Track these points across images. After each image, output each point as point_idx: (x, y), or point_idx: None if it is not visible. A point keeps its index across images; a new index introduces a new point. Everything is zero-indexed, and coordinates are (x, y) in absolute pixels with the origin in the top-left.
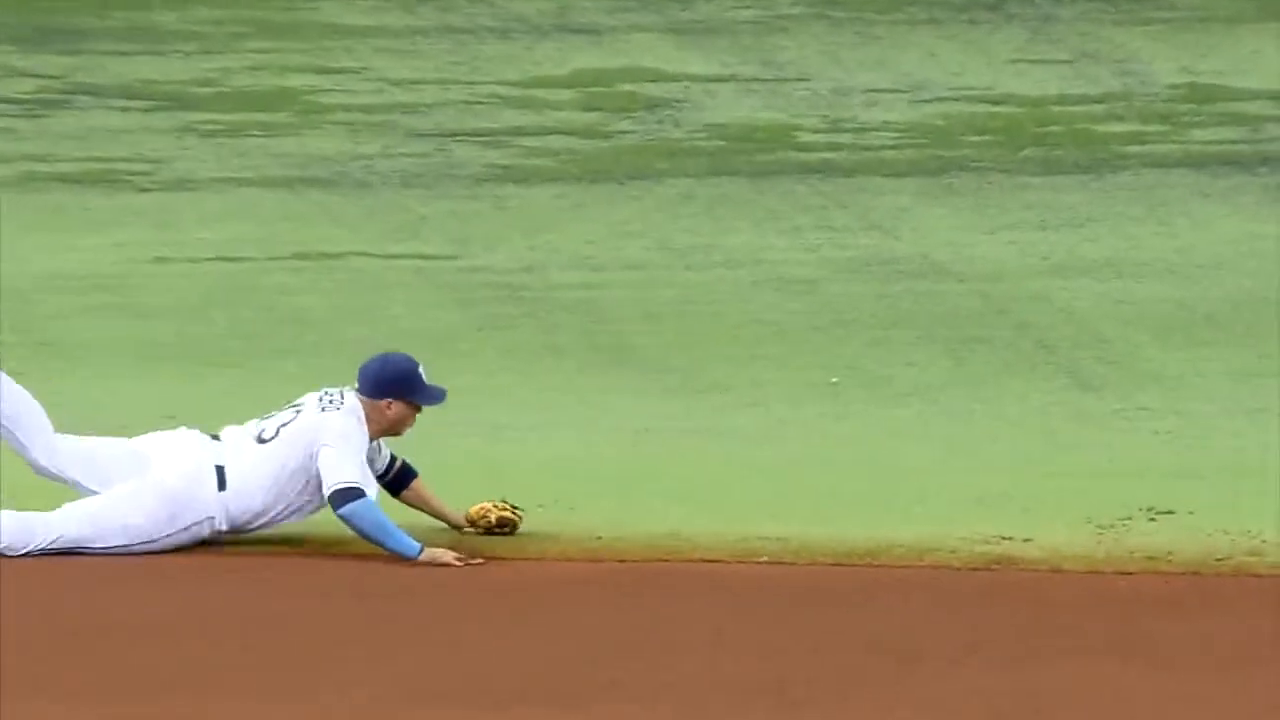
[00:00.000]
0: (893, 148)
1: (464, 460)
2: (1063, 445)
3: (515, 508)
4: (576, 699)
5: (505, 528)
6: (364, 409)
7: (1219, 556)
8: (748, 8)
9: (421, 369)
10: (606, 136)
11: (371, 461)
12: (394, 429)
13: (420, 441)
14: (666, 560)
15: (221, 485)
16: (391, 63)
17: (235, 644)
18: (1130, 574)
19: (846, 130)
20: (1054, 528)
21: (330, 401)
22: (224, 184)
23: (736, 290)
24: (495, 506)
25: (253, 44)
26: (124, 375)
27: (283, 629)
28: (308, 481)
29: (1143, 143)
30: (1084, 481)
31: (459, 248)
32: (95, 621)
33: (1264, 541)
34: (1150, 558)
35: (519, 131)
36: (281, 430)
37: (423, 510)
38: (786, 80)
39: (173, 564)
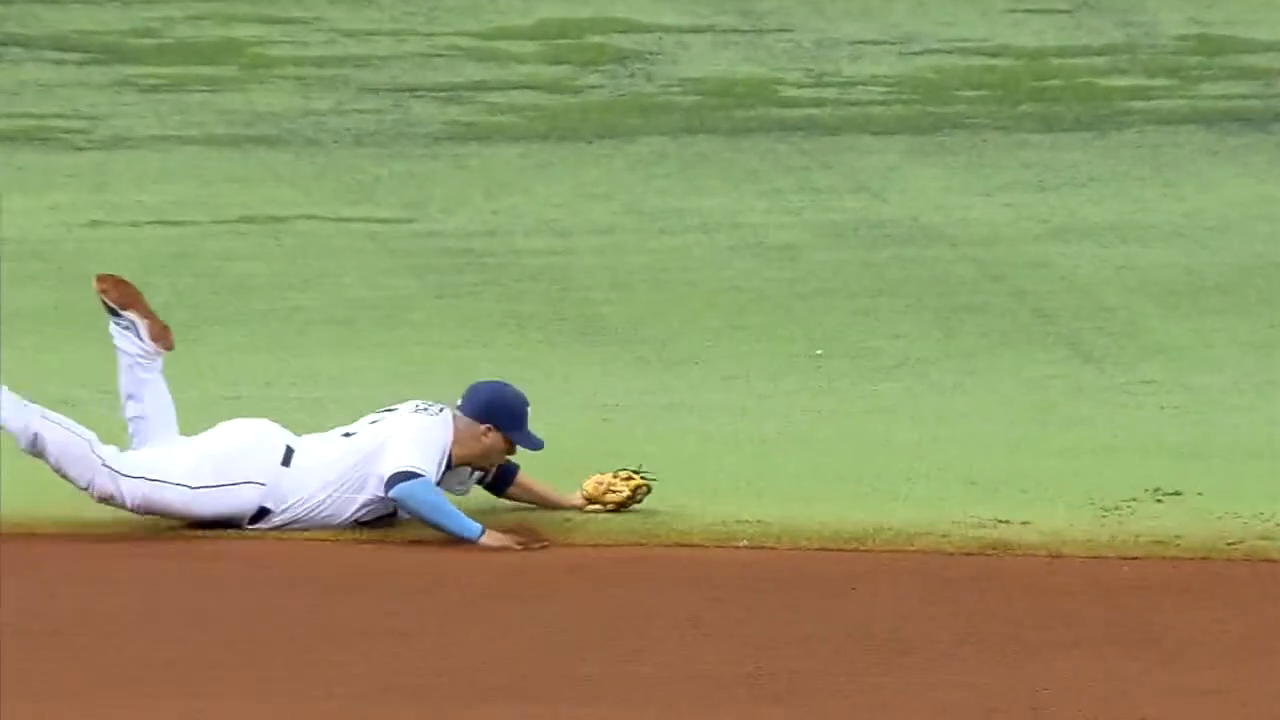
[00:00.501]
0: (881, 103)
1: None
2: (1062, 422)
3: (641, 473)
4: (546, 694)
5: (638, 498)
6: (458, 427)
7: (1229, 541)
8: None
9: (529, 411)
10: (574, 91)
11: (451, 486)
12: (482, 459)
13: None
14: (641, 545)
15: (285, 462)
16: (344, 13)
17: (198, 640)
18: (1135, 559)
19: (831, 85)
20: (1053, 510)
21: (425, 409)
22: (165, 142)
23: (713, 256)
24: (618, 478)
25: None
26: (58, 347)
27: (250, 624)
28: (368, 475)
29: (1148, 98)
30: (1085, 461)
31: (415, 211)
32: (85, 613)
33: (1277, 525)
34: (1157, 542)
35: (480, 86)
36: (366, 426)
37: (532, 503)
38: (767, 31)
39: (155, 550)
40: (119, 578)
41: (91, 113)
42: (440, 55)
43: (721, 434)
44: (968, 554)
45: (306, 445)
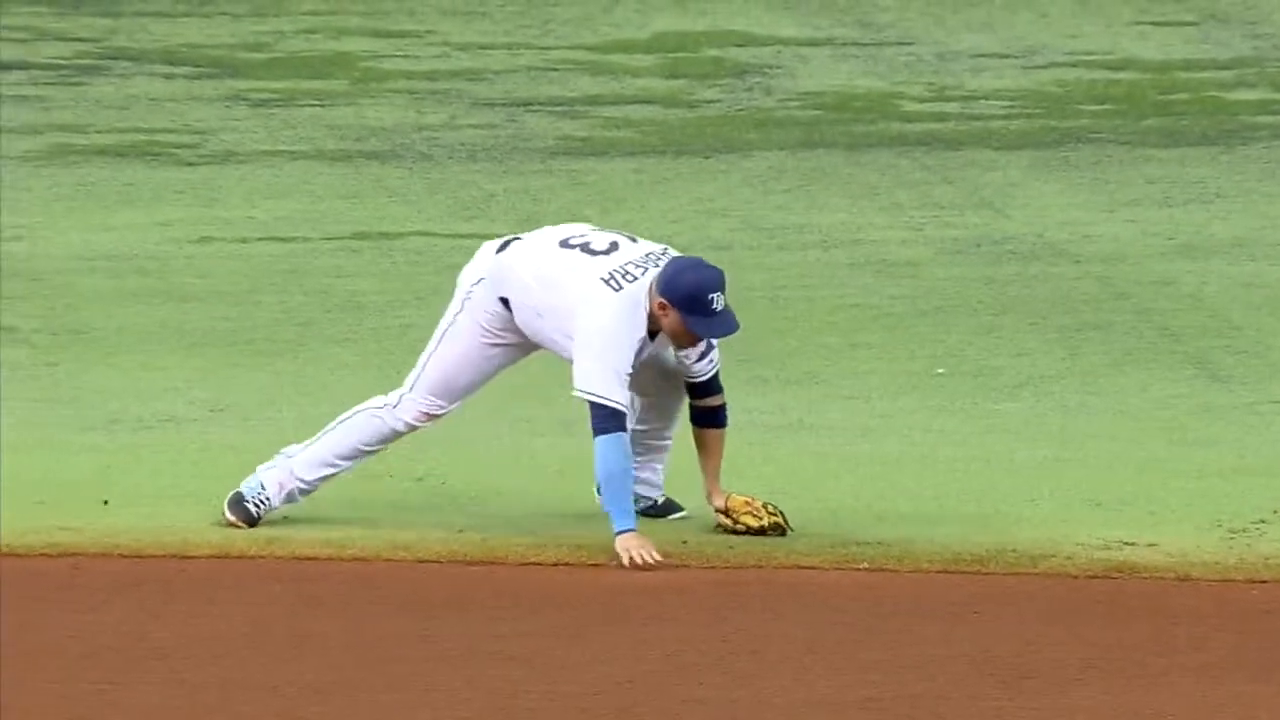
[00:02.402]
0: (1003, 118)
1: (532, 459)
2: (1189, 442)
3: (783, 518)
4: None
5: (768, 533)
6: (652, 296)
7: None
8: None
9: (719, 295)
10: (691, 106)
11: (662, 354)
12: (671, 338)
13: (481, 436)
14: (759, 567)
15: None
16: (457, 26)
17: (303, 663)
18: (1264, 582)
19: (952, 99)
20: (1180, 532)
21: (652, 258)
22: (275, 157)
23: (832, 273)
24: (767, 510)
25: (307, 5)
26: (165, 365)
27: (356, 646)
28: (545, 329)
29: (1276, 112)
30: (1213, 481)
31: (530, 226)
32: (190, 636)
33: None
34: None
35: (595, 100)
36: (573, 266)
37: (700, 451)
38: (887, 44)
39: (259, 571)
40: (223, 599)
41: (201, 127)
42: (554, 69)
43: (840, 454)
44: (1092, 577)
45: (522, 246)
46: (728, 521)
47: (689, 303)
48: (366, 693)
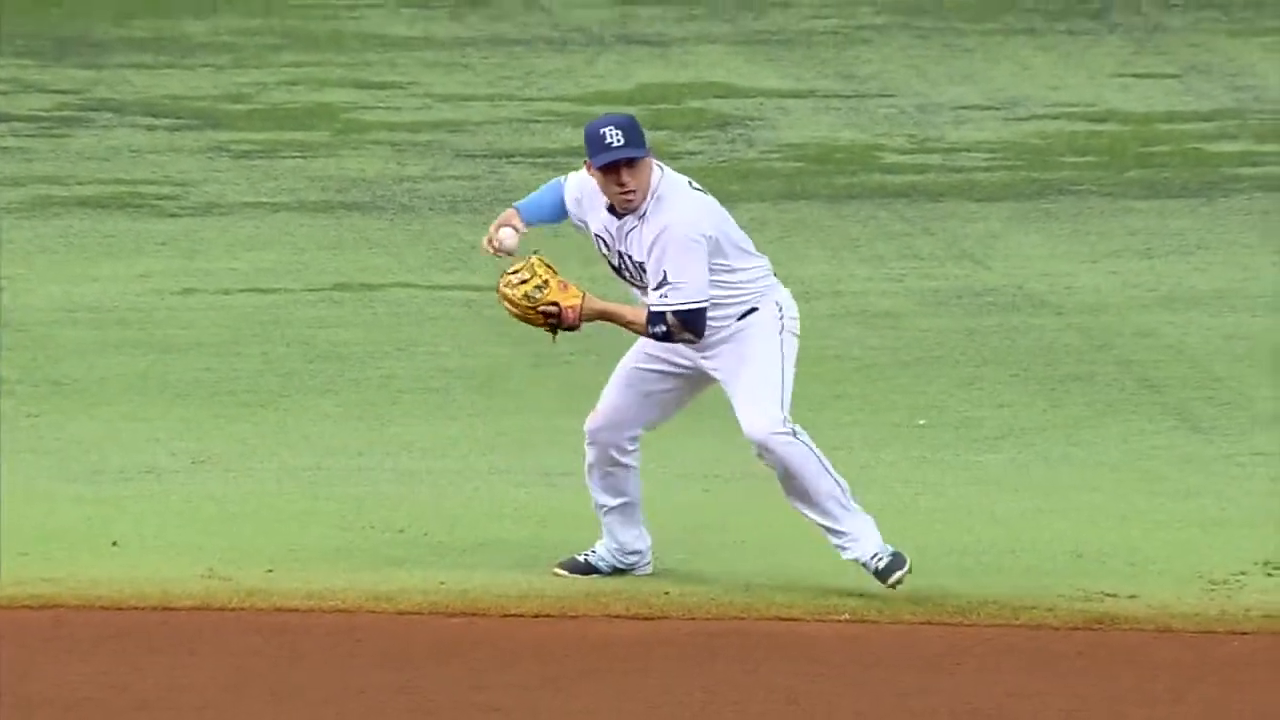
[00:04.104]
0: (984, 169)
1: (516, 511)
2: (1170, 493)
3: (552, 327)
4: None
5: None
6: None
7: None
8: (827, 17)
9: (611, 130)
10: (673, 157)
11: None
12: (605, 193)
13: (468, 488)
14: (739, 619)
15: None
16: (439, 77)
17: (286, 715)
18: (1245, 634)
19: (934, 150)
20: (1161, 584)
21: None
22: (257, 209)
23: (813, 324)
24: (529, 303)
25: (288, 56)
26: (147, 416)
27: (339, 699)
28: None
29: (1257, 164)
30: (1194, 533)
31: None
32: (171, 687)
33: None
34: (1267, 617)
35: (578, 152)
36: None
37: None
38: (869, 96)
39: (241, 624)
40: (205, 651)
41: (183, 179)
42: (537, 120)
43: None
44: (1073, 628)
45: None
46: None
47: (589, 147)
48: None
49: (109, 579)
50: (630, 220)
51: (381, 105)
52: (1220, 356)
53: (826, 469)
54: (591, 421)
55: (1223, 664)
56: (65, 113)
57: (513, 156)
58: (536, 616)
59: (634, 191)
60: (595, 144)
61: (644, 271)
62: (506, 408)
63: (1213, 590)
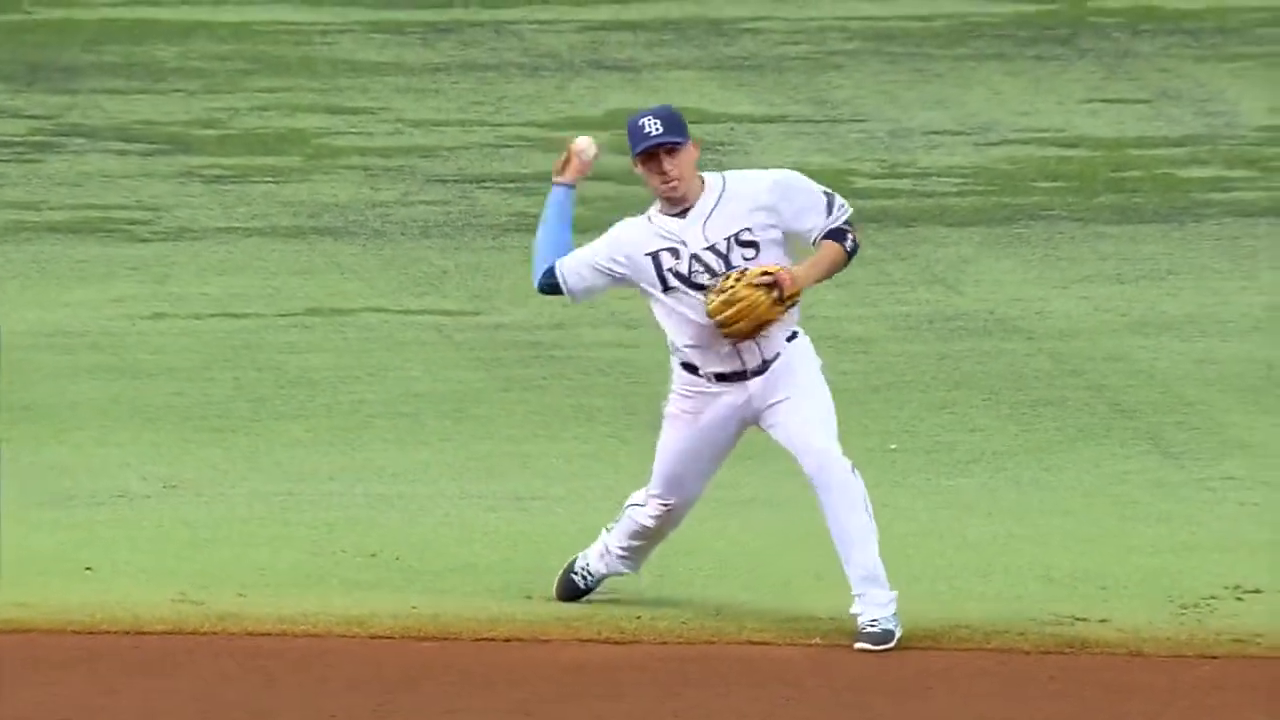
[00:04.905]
0: (956, 194)
1: (487, 535)
2: (1141, 518)
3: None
4: None
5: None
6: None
7: None
8: (797, 43)
9: (649, 119)
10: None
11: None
12: (649, 184)
13: (439, 513)
14: (710, 643)
15: None
16: (410, 103)
17: None
18: (1216, 658)
19: (905, 175)
20: (1133, 608)
21: None
22: (228, 234)
23: None
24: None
25: (260, 82)
26: (118, 441)
27: None
28: None
29: (1227, 189)
30: (1165, 557)
31: (482, 303)
32: (145, 711)
33: None
34: (1237, 640)
35: (548, 177)
36: None
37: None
38: (840, 121)
39: (214, 648)
40: (177, 675)
41: (155, 204)
42: (508, 146)
43: (793, 528)
44: (1045, 653)
45: None
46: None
47: (631, 139)
48: None
49: (81, 604)
50: (700, 209)
51: (353, 130)
52: (1191, 381)
53: (871, 515)
54: (663, 508)
55: (1193, 688)
56: (38, 138)
57: (484, 182)
58: (508, 640)
59: (678, 180)
60: (635, 134)
61: (741, 247)
62: (477, 433)
63: (1183, 614)
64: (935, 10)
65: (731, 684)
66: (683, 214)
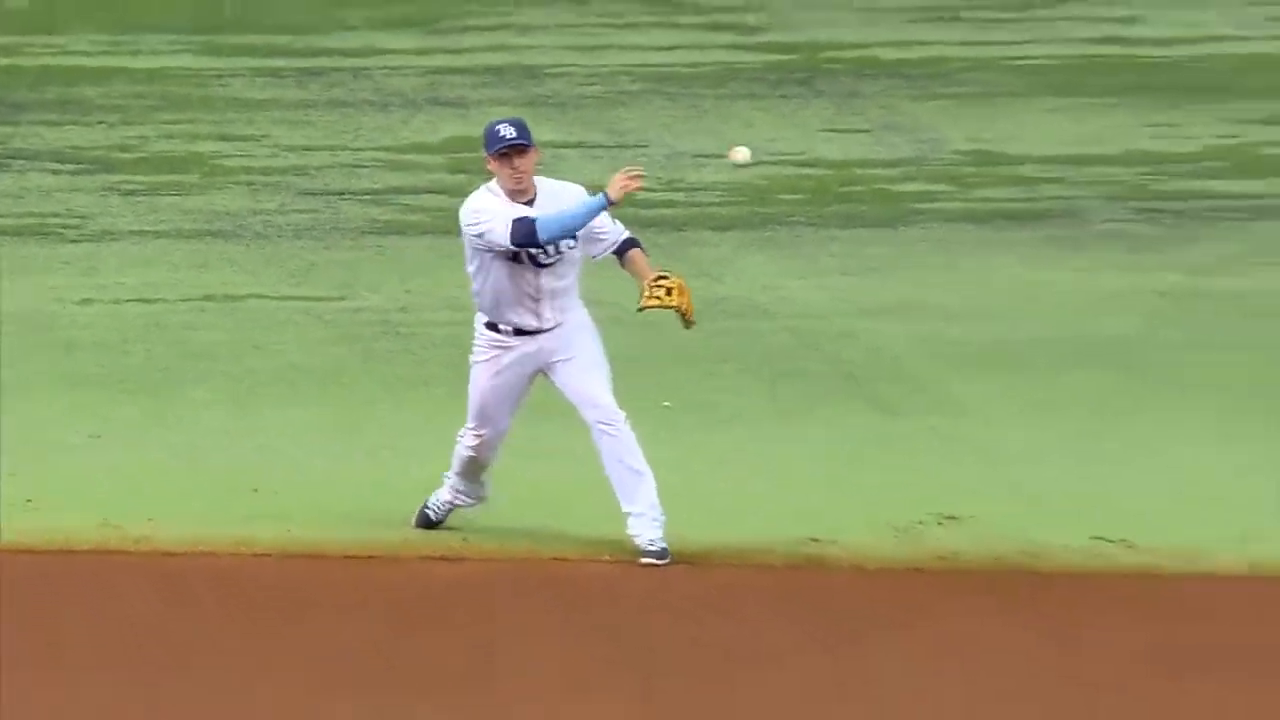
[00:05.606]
0: (719, 205)
1: (348, 479)
2: (866, 464)
3: (681, 308)
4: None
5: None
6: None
7: (997, 556)
8: (593, 84)
9: (505, 125)
10: (497, 177)
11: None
12: (500, 180)
13: (309, 460)
14: (524, 560)
15: None
16: (286, 130)
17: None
18: (922, 571)
19: (679, 189)
20: (859, 533)
21: None
22: (142, 236)
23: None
24: (665, 292)
25: (167, 115)
26: (54, 402)
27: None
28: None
29: (934, 200)
30: (884, 493)
31: (345, 290)
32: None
33: (1040, 545)
34: (940, 557)
35: (397, 191)
36: None
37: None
38: (627, 146)
39: (117, 564)
40: (100, 585)
41: (83, 212)
42: (364, 166)
43: (588, 475)
44: (792, 568)
45: None
46: (648, 296)
47: (487, 140)
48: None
49: (24, 528)
50: (541, 202)
51: (241, 154)
52: (908, 355)
53: (643, 458)
54: (477, 438)
55: (913, 601)
56: None
57: (344, 195)
58: (369, 558)
59: (524, 174)
60: (492, 137)
61: (568, 235)
62: (341, 397)
63: (898, 535)
64: (704, 58)
65: (533, 594)
66: (529, 204)
